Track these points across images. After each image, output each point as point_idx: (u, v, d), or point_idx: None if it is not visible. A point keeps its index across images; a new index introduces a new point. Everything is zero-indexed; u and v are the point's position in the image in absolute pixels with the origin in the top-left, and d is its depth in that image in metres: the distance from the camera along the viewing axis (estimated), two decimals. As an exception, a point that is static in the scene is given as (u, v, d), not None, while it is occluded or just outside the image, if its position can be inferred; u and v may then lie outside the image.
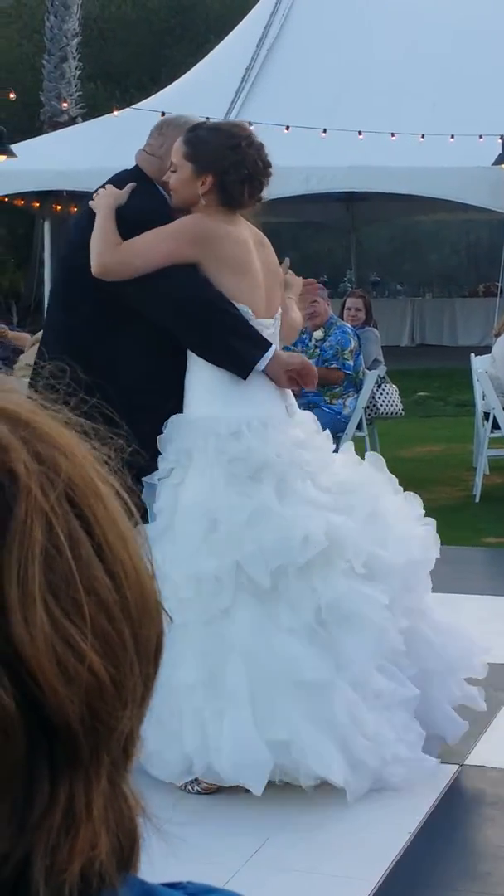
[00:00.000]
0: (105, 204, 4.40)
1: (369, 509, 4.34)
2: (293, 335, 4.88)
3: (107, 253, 4.30)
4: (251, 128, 4.60)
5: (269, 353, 4.27)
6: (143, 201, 4.47)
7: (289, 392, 4.46)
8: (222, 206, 4.31)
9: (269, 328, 4.37)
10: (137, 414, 4.23)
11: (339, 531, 4.11)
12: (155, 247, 4.26)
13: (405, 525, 4.49)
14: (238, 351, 4.28)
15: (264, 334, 4.34)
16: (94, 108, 22.32)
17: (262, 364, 4.26)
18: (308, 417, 4.58)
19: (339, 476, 4.42)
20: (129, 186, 4.46)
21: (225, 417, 4.25)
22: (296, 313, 4.73)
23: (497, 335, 9.45)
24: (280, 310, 4.50)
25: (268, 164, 4.35)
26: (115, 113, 17.05)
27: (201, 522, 4.13)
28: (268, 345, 4.31)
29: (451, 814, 4.05)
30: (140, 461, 3.63)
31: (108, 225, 4.37)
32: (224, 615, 4.08)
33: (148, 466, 4.12)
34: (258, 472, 4.17)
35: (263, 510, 4.11)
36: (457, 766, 4.40)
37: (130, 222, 4.34)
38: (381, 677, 4.15)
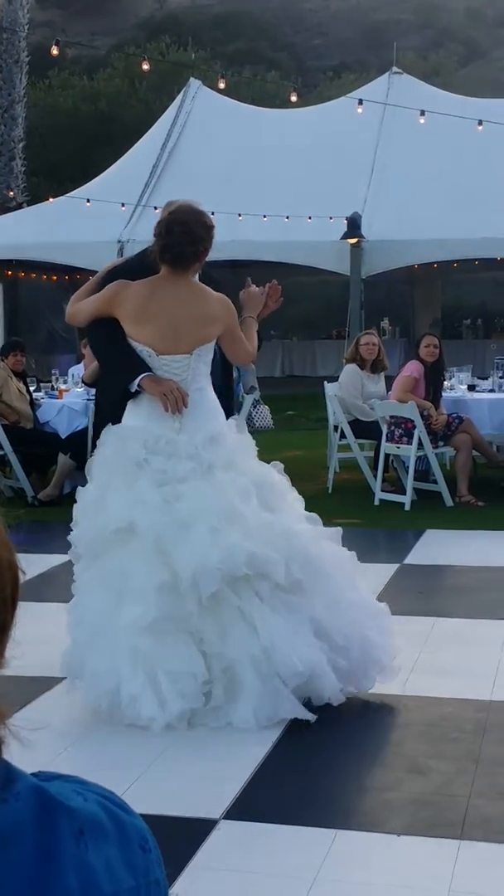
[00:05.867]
0: (103, 268, 4.55)
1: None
2: (244, 356, 4.41)
3: (69, 306, 4.49)
4: (176, 209, 4.47)
5: (136, 380, 4.21)
6: (128, 260, 4.65)
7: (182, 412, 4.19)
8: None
9: (177, 361, 4.20)
10: None
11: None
12: (89, 305, 4.36)
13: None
14: (115, 381, 4.35)
15: (166, 367, 4.20)
16: (36, 196, 22.05)
17: (132, 386, 4.23)
18: (217, 430, 4.23)
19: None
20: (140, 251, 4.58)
21: (127, 426, 4.29)
22: (244, 345, 4.34)
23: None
24: (202, 344, 4.23)
25: (168, 234, 4.26)
26: (51, 200, 16.95)
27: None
28: (132, 376, 4.22)
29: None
30: None
31: (85, 285, 4.54)
32: None
33: None
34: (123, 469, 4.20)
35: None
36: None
37: (116, 273, 4.43)
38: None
